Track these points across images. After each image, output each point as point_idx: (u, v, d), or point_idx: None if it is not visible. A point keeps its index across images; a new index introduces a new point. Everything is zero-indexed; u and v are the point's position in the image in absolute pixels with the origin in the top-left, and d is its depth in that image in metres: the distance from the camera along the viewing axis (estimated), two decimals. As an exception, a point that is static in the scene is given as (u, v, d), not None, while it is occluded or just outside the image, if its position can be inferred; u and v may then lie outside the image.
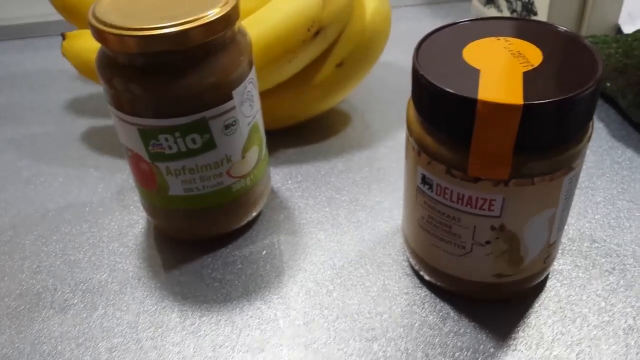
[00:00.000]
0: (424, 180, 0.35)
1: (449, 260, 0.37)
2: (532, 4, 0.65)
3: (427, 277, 0.40)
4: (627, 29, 0.62)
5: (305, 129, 0.57)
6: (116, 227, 0.48)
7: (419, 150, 0.34)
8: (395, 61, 0.67)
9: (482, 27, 0.36)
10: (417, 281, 0.41)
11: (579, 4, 0.62)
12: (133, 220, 0.48)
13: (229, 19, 0.37)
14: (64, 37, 0.54)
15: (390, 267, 0.42)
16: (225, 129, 0.38)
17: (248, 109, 0.40)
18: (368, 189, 0.50)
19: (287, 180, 0.52)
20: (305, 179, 0.52)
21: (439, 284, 0.40)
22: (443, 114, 0.32)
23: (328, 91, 0.53)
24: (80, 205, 0.50)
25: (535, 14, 0.65)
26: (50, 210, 0.50)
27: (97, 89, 0.67)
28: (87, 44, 0.53)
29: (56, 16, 0.79)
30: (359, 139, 0.56)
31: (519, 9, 0.68)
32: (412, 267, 0.42)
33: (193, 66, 0.36)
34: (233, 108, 0.38)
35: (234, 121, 0.39)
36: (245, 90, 0.39)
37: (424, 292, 0.40)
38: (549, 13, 0.63)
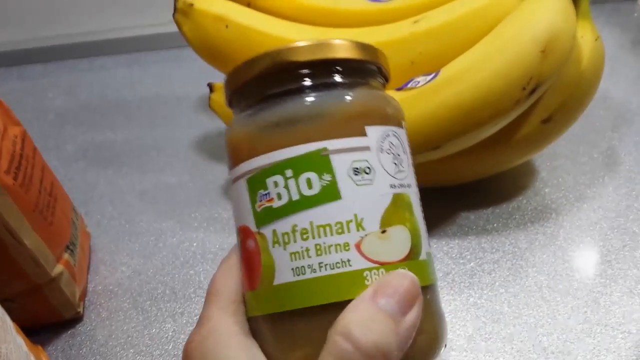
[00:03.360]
0: None
1: None
2: None
3: None
4: None
5: (484, 183, 0.49)
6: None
7: None
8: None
9: None
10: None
11: None
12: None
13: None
14: (211, 89, 0.47)
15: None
16: (355, 174, 0.28)
17: (391, 166, 0.29)
18: (591, 280, 0.42)
19: (475, 259, 0.44)
20: (502, 256, 0.44)
21: None
22: None
23: (528, 149, 0.45)
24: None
25: None
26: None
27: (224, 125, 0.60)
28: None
29: (165, 28, 0.72)
30: (554, 198, 0.48)
31: None
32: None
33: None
34: (366, 148, 0.28)
35: (368, 168, 0.28)
36: (385, 138, 0.29)
37: None
38: None
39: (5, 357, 0.31)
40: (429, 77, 0.41)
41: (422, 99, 0.40)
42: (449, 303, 0.41)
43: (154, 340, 0.41)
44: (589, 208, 0.47)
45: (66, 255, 0.42)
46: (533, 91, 0.39)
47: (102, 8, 0.77)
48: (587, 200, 0.47)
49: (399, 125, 0.30)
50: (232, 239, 0.47)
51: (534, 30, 0.38)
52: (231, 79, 0.29)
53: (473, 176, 0.47)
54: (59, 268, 0.40)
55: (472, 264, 0.43)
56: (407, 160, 0.30)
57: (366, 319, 0.23)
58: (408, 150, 0.30)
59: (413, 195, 0.29)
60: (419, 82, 0.41)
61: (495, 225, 0.46)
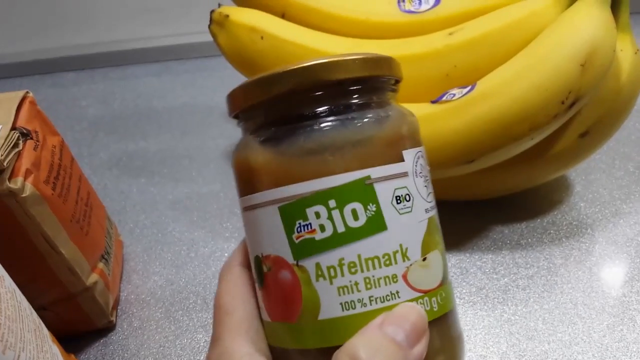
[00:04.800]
0: None
1: None
2: None
3: None
4: None
5: (519, 197, 0.48)
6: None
7: None
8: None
9: None
10: None
11: None
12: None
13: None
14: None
15: None
16: (397, 202, 0.27)
17: (424, 189, 0.28)
18: (628, 298, 0.41)
19: (509, 274, 0.43)
20: (537, 272, 0.43)
21: None
22: None
23: (564, 163, 0.44)
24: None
25: None
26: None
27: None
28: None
29: (196, 37, 0.73)
30: (589, 213, 0.47)
31: None
32: None
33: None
34: (405, 174, 0.27)
35: (408, 195, 0.27)
36: (417, 161, 0.28)
37: None
38: None
39: (43, 367, 0.31)
40: (465, 90, 0.40)
41: (458, 112, 0.40)
42: (482, 319, 0.40)
43: (185, 351, 0.41)
44: (625, 224, 0.46)
45: (101, 265, 0.42)
46: (572, 105, 0.39)
47: (134, 17, 0.78)
48: (624, 216, 0.46)
49: (422, 143, 0.29)
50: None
51: (574, 43, 0.38)
52: (246, 93, 0.26)
53: (507, 190, 0.46)
54: (93, 277, 0.41)
55: (506, 279, 0.43)
56: (430, 180, 0.29)
57: (374, 345, 0.22)
58: (425, 157, 0.29)
59: (437, 216, 0.28)
60: (454, 94, 0.41)
61: (529, 240, 0.45)
